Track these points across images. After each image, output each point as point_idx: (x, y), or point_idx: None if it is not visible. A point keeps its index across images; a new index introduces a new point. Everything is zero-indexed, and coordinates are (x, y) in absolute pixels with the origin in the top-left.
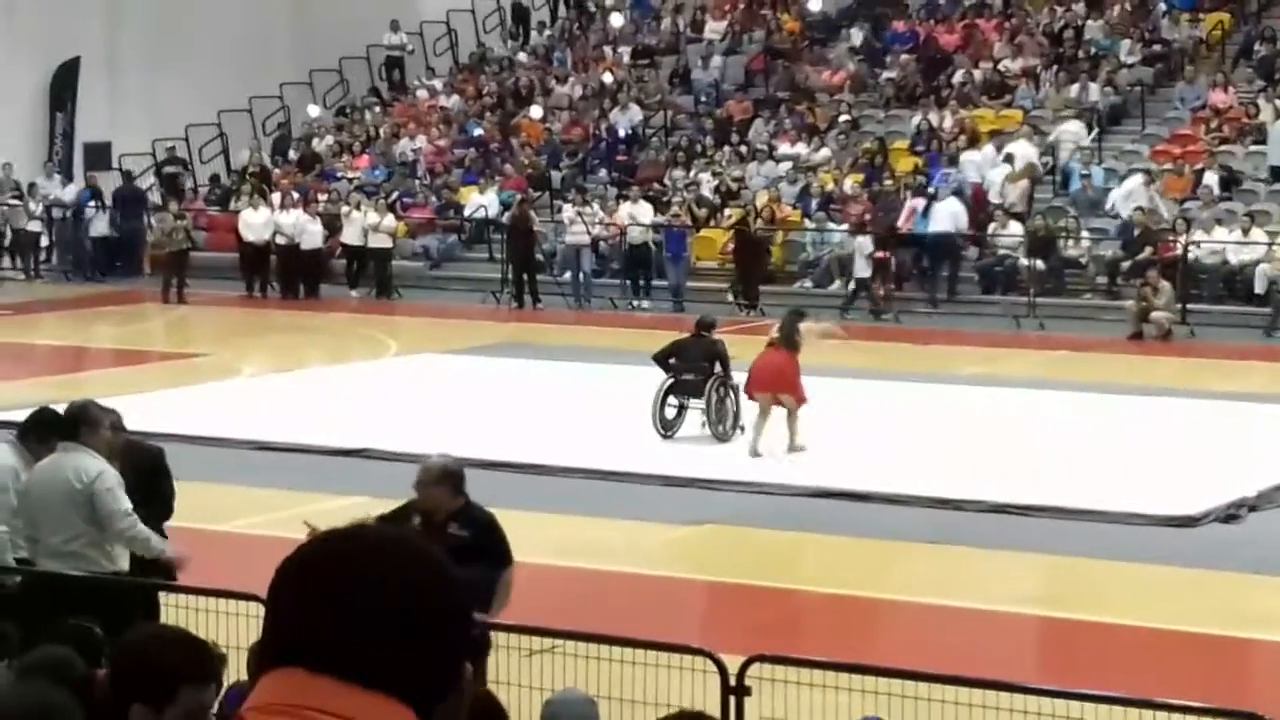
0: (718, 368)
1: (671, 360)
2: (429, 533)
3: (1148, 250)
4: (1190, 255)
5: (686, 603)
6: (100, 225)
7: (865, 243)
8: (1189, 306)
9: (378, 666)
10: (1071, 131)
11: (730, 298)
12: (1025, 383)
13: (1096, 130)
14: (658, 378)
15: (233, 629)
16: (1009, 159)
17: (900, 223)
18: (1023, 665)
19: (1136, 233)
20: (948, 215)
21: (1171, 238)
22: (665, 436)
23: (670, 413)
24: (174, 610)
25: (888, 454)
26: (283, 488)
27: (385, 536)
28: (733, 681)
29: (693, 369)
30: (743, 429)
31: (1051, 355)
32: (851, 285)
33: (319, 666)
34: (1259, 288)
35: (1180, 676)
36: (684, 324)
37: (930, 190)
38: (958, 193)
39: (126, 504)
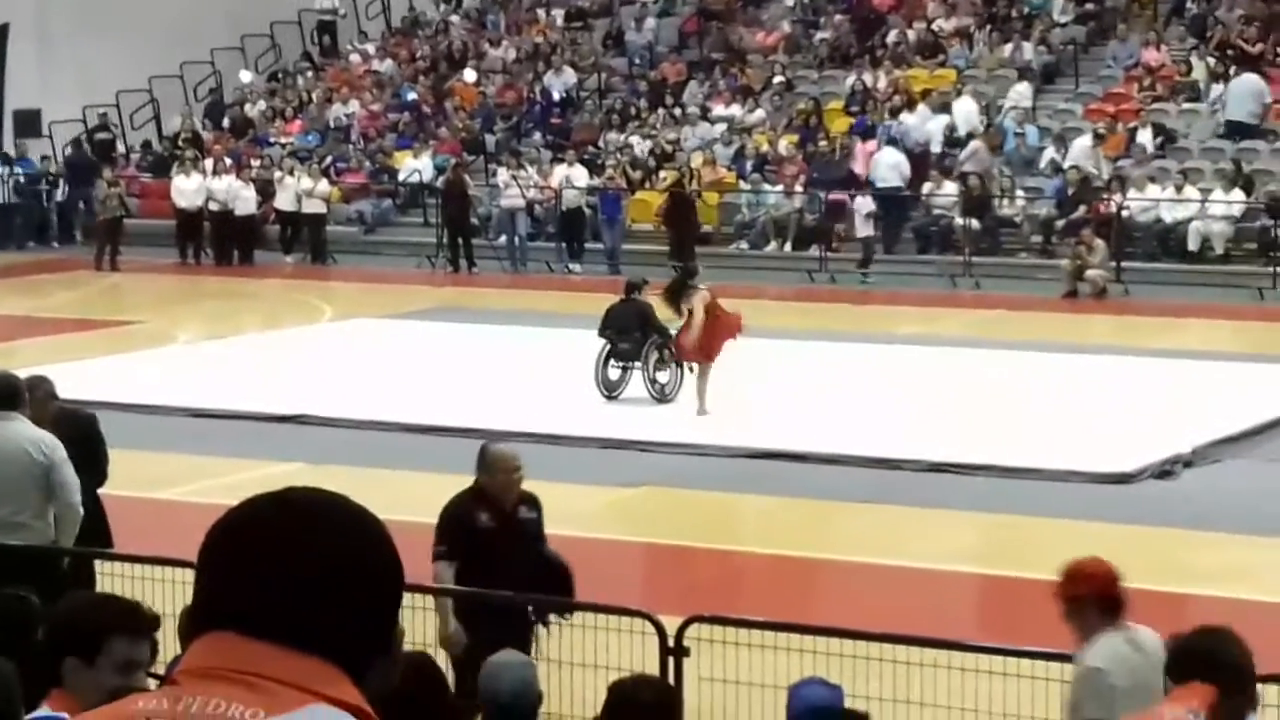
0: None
1: (606, 331)
2: (501, 520)
3: (1082, 209)
4: (1124, 213)
5: (624, 564)
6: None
7: (864, 202)
8: (1123, 264)
9: (310, 629)
10: (1019, 91)
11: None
12: (961, 342)
13: (1030, 90)
14: (591, 340)
15: (170, 596)
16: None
17: (859, 170)
18: (961, 623)
19: (1071, 191)
20: (890, 166)
21: (1106, 196)
22: (610, 398)
23: (614, 374)
24: (110, 579)
25: (825, 414)
26: (219, 454)
27: (316, 498)
28: (671, 642)
29: (626, 336)
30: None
31: (987, 314)
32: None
33: (251, 630)
34: (1192, 245)
35: None
36: (618, 287)
37: (881, 136)
38: (892, 142)
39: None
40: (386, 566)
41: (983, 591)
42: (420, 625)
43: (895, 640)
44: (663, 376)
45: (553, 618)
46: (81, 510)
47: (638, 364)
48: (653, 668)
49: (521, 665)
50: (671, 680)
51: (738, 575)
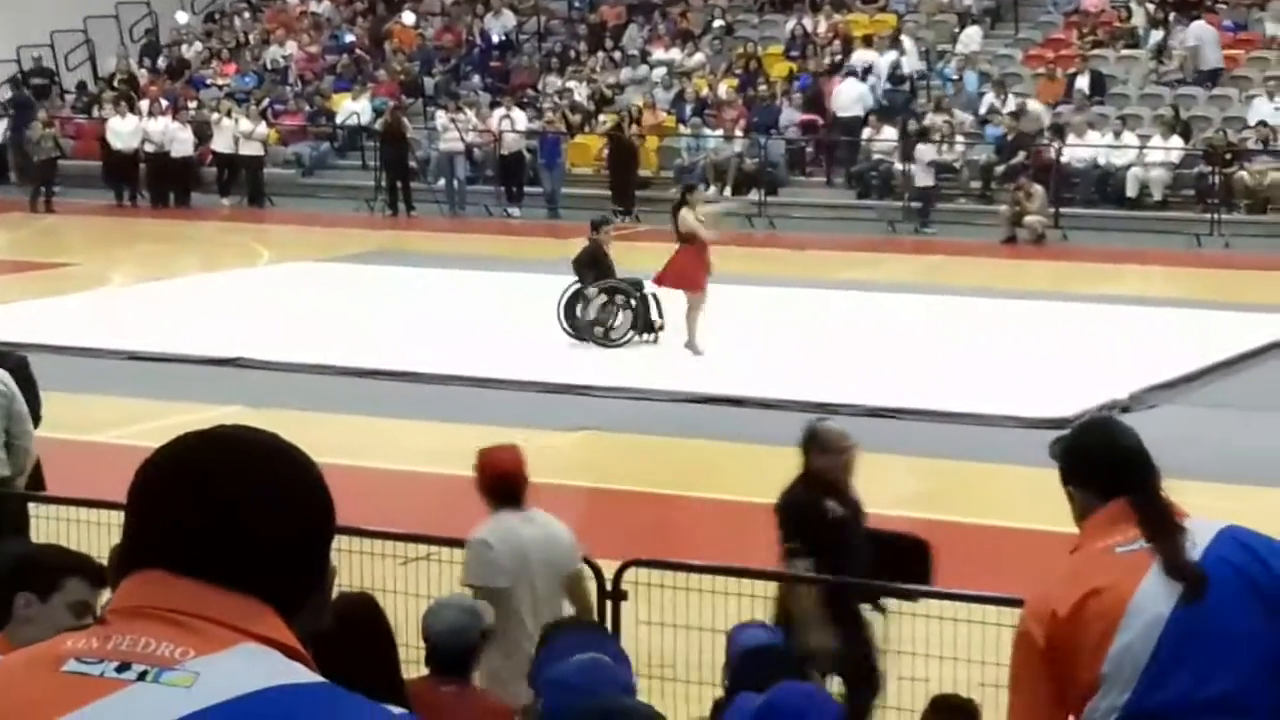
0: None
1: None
2: (848, 504)
3: (1021, 155)
4: (1062, 159)
5: (563, 509)
6: None
7: (926, 150)
8: (1061, 210)
9: (239, 567)
10: (969, 35)
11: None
12: (900, 287)
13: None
14: (540, 285)
15: (105, 539)
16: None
17: (831, 105)
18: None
19: (1010, 138)
20: (853, 99)
21: (1044, 141)
22: (577, 338)
23: (580, 313)
24: (44, 521)
25: (763, 359)
26: (155, 398)
27: (244, 436)
28: (609, 586)
29: (578, 275)
30: (655, 333)
31: (926, 260)
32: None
33: (180, 568)
34: (1131, 191)
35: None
36: (558, 230)
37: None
38: (852, 74)
39: None
40: (316, 504)
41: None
42: (358, 570)
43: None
44: (614, 321)
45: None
46: (32, 440)
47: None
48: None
49: (462, 607)
50: (609, 625)
51: (676, 519)
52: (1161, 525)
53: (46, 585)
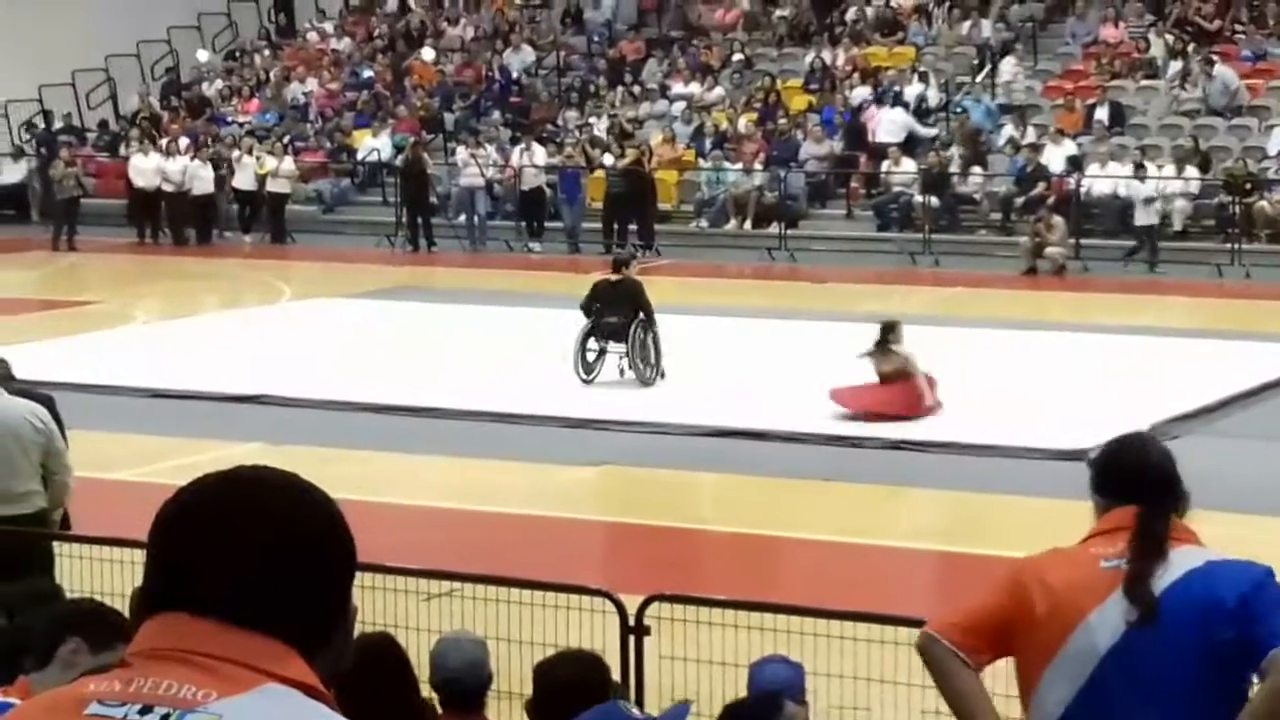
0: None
1: (595, 305)
2: None
3: (1040, 186)
4: (1082, 191)
5: (585, 544)
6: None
7: (1142, 188)
8: (1082, 242)
9: (261, 608)
10: (1007, 66)
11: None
12: (921, 319)
13: (989, 66)
14: (560, 320)
15: (127, 578)
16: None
17: (878, 135)
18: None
19: (1029, 169)
20: (896, 124)
21: (1064, 173)
22: (586, 381)
23: (591, 357)
24: (69, 560)
25: (785, 392)
26: (177, 435)
27: (265, 476)
28: (631, 621)
29: (614, 312)
30: (663, 374)
31: (947, 292)
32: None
33: (201, 610)
34: (1139, 220)
35: None
36: (578, 265)
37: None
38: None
39: None
40: (337, 544)
41: (942, 569)
42: (380, 606)
43: (855, 618)
44: (645, 358)
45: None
46: (68, 482)
47: (616, 345)
48: (613, 647)
49: (472, 643)
50: (633, 659)
51: (698, 554)
52: (1144, 546)
53: (102, 641)
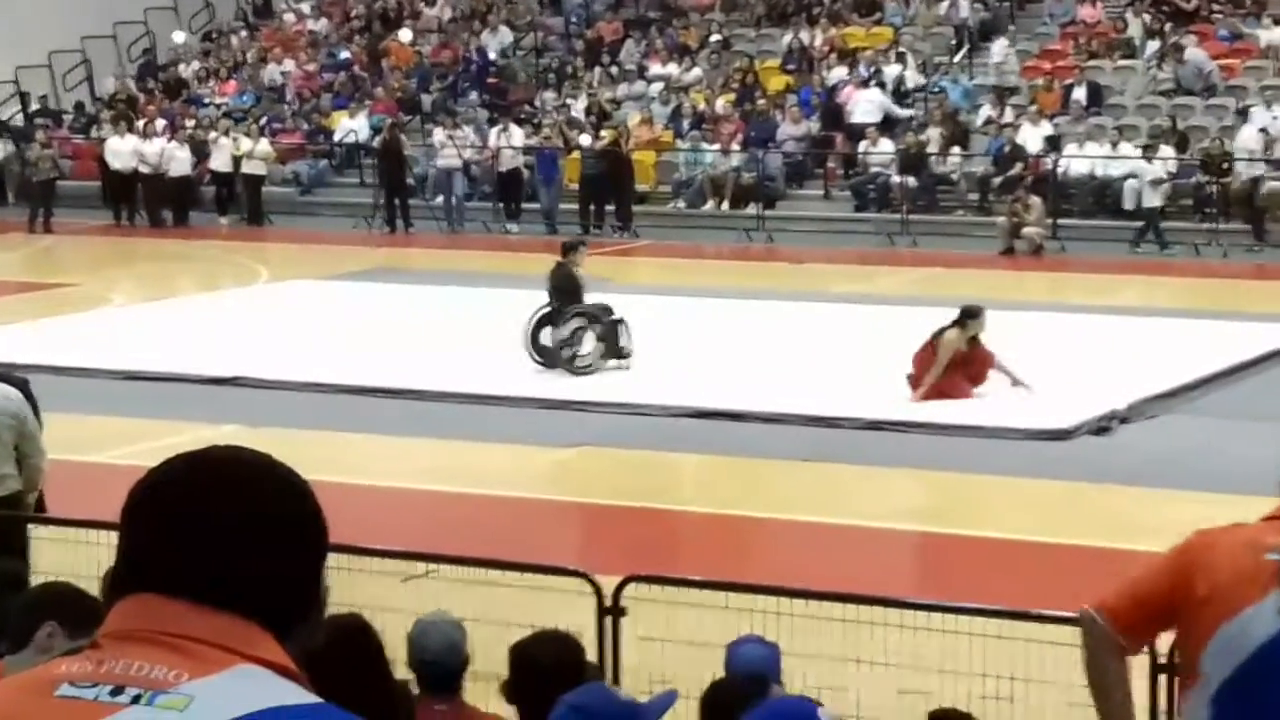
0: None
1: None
2: None
3: (1018, 166)
4: (1059, 170)
5: (562, 525)
6: None
7: (1149, 167)
8: (1059, 221)
9: (232, 588)
10: (999, 48)
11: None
12: (899, 300)
13: (968, 47)
14: (538, 302)
15: (104, 560)
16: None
17: (854, 115)
18: (901, 580)
19: (1007, 149)
20: (873, 104)
21: (1041, 152)
22: (542, 364)
23: (545, 340)
24: (44, 543)
25: (763, 373)
26: (154, 417)
27: (235, 456)
28: (608, 602)
29: (552, 299)
30: (619, 357)
31: (925, 272)
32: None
33: (173, 590)
34: (1128, 203)
35: (1055, 587)
36: (556, 247)
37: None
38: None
39: None
40: (308, 523)
41: (921, 549)
42: (357, 588)
43: (833, 598)
44: (582, 348)
45: (892, 614)
46: (45, 459)
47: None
48: (589, 628)
49: (449, 626)
50: (609, 640)
51: (675, 535)
52: None
53: (79, 624)
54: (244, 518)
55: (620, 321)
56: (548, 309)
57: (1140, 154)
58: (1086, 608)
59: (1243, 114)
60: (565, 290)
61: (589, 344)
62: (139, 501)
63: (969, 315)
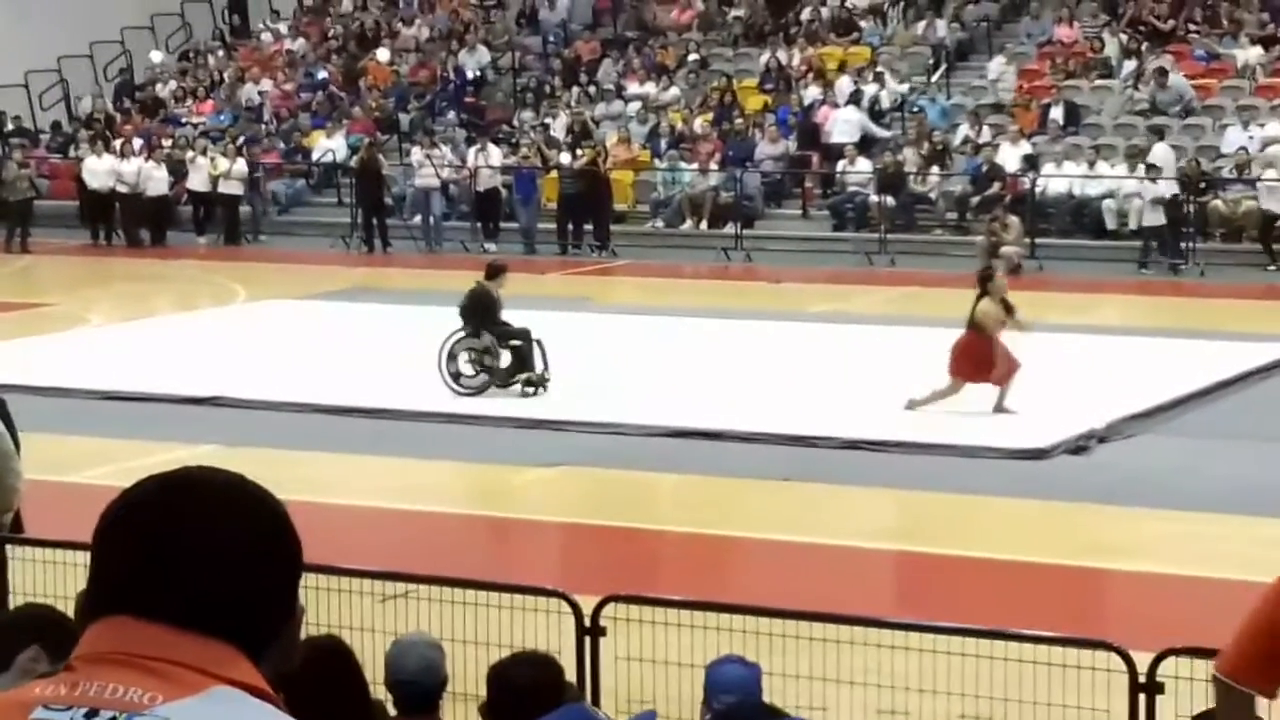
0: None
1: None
2: None
3: (996, 186)
4: (1037, 190)
5: (541, 544)
6: None
7: (1151, 187)
8: (1037, 241)
9: (205, 610)
10: (997, 65)
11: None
12: (877, 319)
13: (945, 66)
14: (516, 322)
15: (81, 581)
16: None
17: (833, 135)
18: (879, 599)
19: (985, 168)
20: (851, 124)
21: (1019, 171)
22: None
23: (464, 365)
24: (21, 564)
25: (740, 392)
26: (131, 437)
27: (207, 477)
28: (587, 622)
29: (464, 321)
30: (535, 384)
31: (903, 291)
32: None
33: (146, 613)
34: (1111, 224)
35: (1033, 606)
36: (534, 265)
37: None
38: (853, 101)
39: None
40: (281, 544)
41: (898, 568)
42: (335, 608)
43: (811, 618)
44: (467, 370)
45: (871, 634)
46: (21, 479)
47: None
48: (569, 648)
49: (427, 645)
50: (588, 661)
51: (654, 554)
52: None
53: (62, 649)
54: (217, 539)
55: (535, 344)
56: (462, 332)
57: (1122, 173)
58: (1217, 674)
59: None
60: (475, 311)
61: (466, 365)
62: (111, 523)
63: (986, 280)
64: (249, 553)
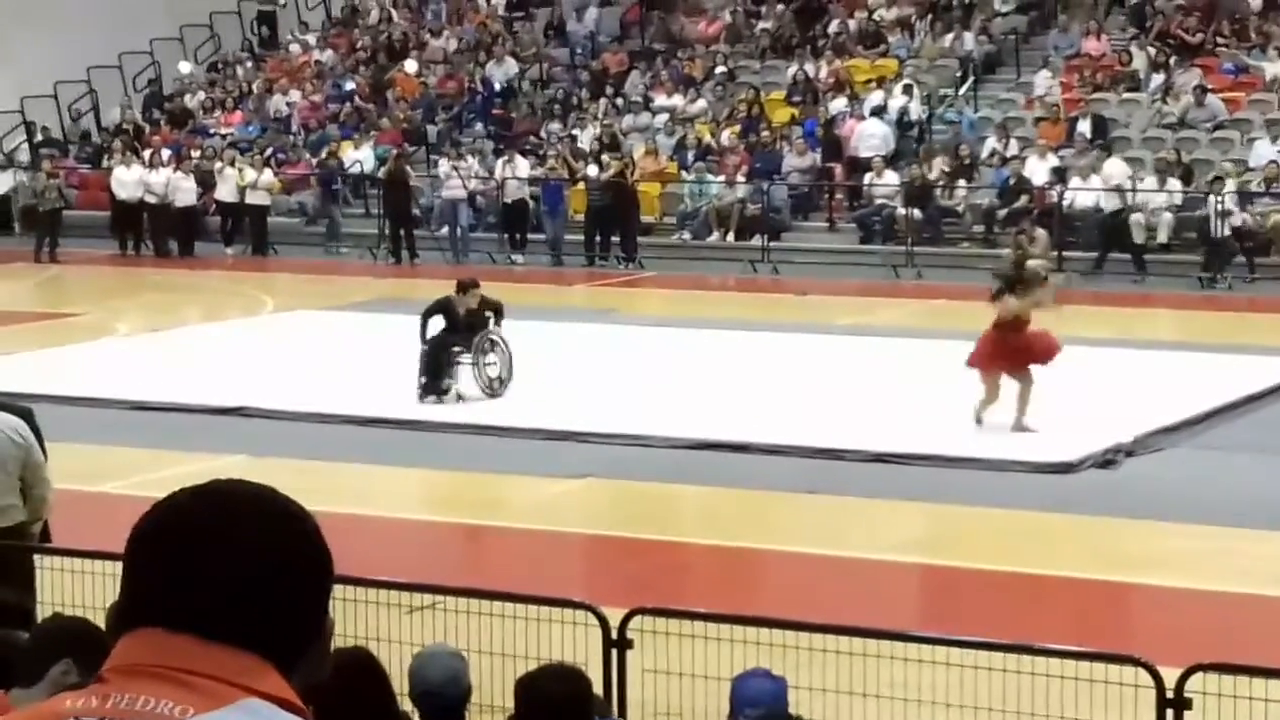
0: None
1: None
2: None
3: (1023, 199)
4: (1064, 203)
5: (567, 556)
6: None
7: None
8: (1064, 254)
9: (236, 622)
10: (1044, 79)
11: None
12: (903, 332)
13: (972, 80)
14: (542, 334)
15: (109, 591)
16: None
17: (852, 145)
18: (905, 613)
19: (1012, 181)
20: (877, 137)
21: (1046, 184)
22: (443, 394)
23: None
24: (50, 573)
25: (767, 405)
26: (159, 447)
27: (239, 490)
28: (614, 635)
29: (473, 329)
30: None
31: (930, 304)
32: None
33: (177, 625)
34: (1138, 237)
35: (1060, 621)
36: (561, 277)
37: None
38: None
39: None
40: (312, 557)
41: (925, 582)
42: (361, 619)
43: (838, 631)
44: (491, 371)
45: (898, 648)
46: (51, 490)
47: (487, 356)
48: (595, 661)
49: (451, 656)
50: (615, 673)
51: (681, 567)
52: None
53: (94, 664)
54: (248, 553)
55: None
56: (468, 336)
57: (1150, 187)
58: None
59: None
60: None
61: (495, 368)
62: (143, 536)
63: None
64: (279, 565)
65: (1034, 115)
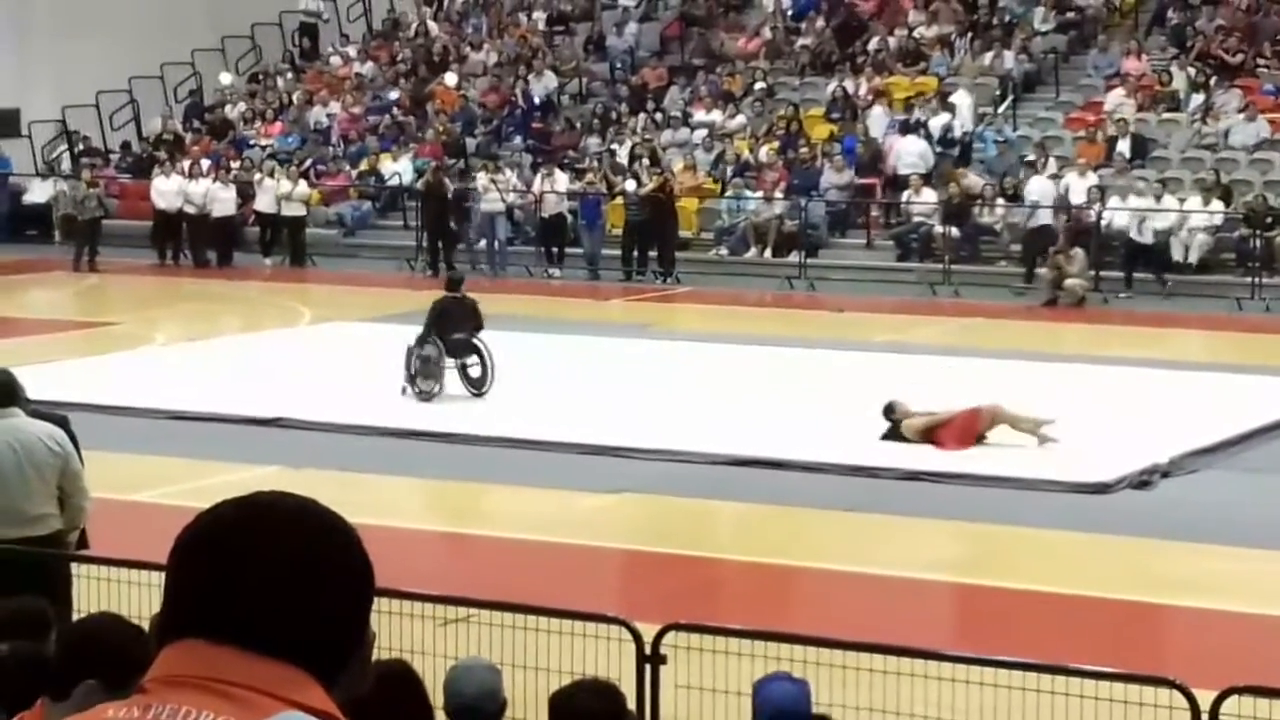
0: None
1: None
2: None
3: (1062, 218)
4: (1102, 223)
5: (603, 571)
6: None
7: None
8: (1102, 274)
9: (278, 634)
10: (1117, 97)
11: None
12: (940, 350)
13: (1011, 98)
14: (579, 346)
15: (146, 600)
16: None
17: (890, 161)
18: (938, 632)
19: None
20: (915, 154)
21: (1084, 204)
22: (428, 396)
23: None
24: (87, 582)
25: (803, 421)
26: (196, 457)
27: (282, 502)
28: (648, 650)
29: (461, 329)
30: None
31: (966, 322)
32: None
33: (219, 636)
34: (1176, 255)
35: (1095, 642)
36: (598, 292)
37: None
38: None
39: None
40: (354, 569)
41: (959, 601)
42: (396, 631)
43: (871, 649)
44: (474, 372)
45: (931, 667)
46: (88, 499)
47: (472, 357)
48: (629, 676)
49: (486, 670)
50: (649, 689)
51: (715, 583)
52: None
53: (120, 681)
54: (291, 565)
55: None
56: (460, 336)
57: (1192, 207)
58: None
59: None
60: (478, 319)
61: (477, 369)
62: (185, 547)
63: (890, 410)
64: (321, 577)
65: (1073, 135)
